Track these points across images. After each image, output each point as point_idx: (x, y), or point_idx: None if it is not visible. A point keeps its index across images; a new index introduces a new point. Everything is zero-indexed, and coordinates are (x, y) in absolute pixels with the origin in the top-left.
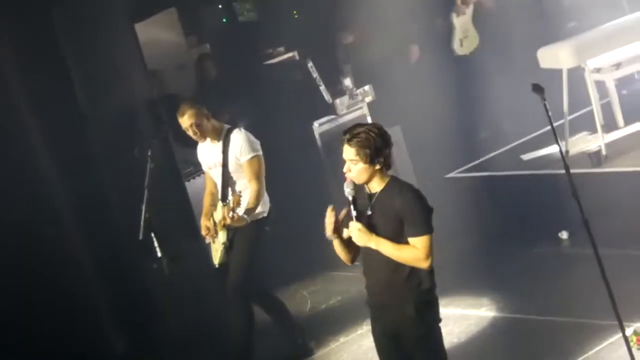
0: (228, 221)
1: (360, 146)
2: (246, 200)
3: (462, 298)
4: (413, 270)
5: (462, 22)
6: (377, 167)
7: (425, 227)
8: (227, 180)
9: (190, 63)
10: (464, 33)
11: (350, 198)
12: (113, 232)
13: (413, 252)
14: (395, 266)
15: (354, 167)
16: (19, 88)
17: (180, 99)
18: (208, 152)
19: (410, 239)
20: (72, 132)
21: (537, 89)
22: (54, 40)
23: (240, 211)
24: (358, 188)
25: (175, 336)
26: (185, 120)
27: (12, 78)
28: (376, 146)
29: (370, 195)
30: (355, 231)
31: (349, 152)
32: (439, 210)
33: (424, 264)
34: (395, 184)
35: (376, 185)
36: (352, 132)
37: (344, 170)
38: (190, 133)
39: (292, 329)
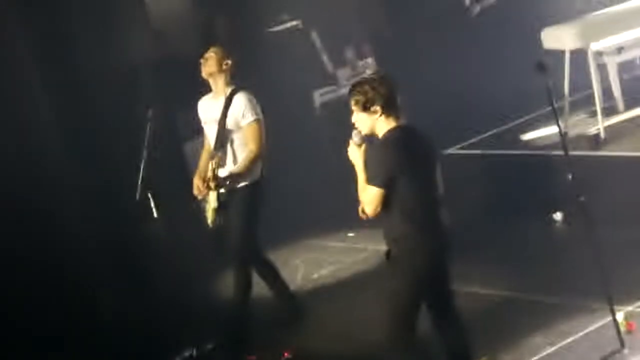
0: (211, 185)
1: (354, 97)
2: (237, 162)
3: (452, 273)
4: (395, 219)
5: None
6: (376, 115)
7: (372, 180)
8: (221, 140)
9: (194, 25)
10: None
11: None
12: (110, 190)
13: (364, 193)
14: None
15: (356, 116)
16: (22, 43)
17: (183, 60)
18: (208, 107)
19: None
20: (73, 88)
21: (541, 67)
22: None
23: (224, 172)
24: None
25: (169, 297)
26: (208, 51)
27: (16, 33)
28: (367, 96)
29: None
30: (352, 145)
31: (351, 102)
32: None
33: (366, 209)
34: (392, 133)
35: (380, 133)
36: (352, 85)
37: (352, 120)
38: (202, 60)
39: (284, 295)
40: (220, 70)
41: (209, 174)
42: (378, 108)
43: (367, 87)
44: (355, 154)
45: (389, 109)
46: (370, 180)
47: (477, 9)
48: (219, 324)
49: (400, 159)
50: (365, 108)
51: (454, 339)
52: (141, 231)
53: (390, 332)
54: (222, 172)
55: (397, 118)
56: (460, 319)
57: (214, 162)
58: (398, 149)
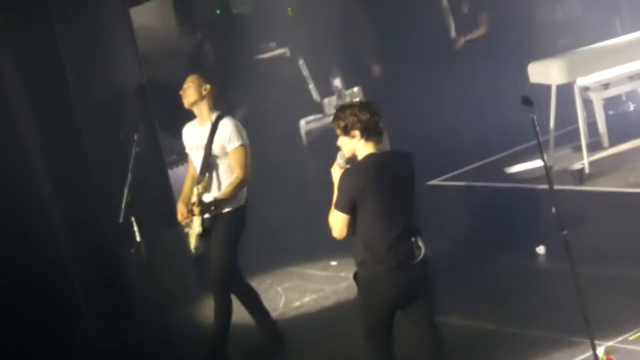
0: (195, 210)
1: (336, 121)
2: (222, 188)
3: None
4: (359, 244)
5: None
6: (355, 139)
7: (336, 204)
8: (207, 166)
9: (181, 52)
10: None
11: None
12: (93, 214)
13: (331, 216)
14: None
15: (340, 139)
16: (8, 66)
17: (169, 86)
18: (193, 133)
19: None
20: (59, 112)
21: (527, 102)
22: (47, 18)
23: (209, 197)
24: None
25: (149, 322)
26: (185, 82)
27: (1, 57)
28: (347, 121)
29: None
30: (336, 165)
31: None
32: (417, 216)
33: (332, 231)
34: (364, 160)
35: (360, 157)
36: (336, 110)
37: (338, 143)
38: (181, 92)
39: (265, 322)
40: (201, 97)
41: (194, 199)
42: (357, 132)
43: (347, 112)
44: (337, 175)
45: (368, 134)
46: (335, 205)
47: (462, 41)
48: (199, 350)
49: (363, 186)
50: (346, 132)
51: None
52: (123, 255)
53: (368, 352)
54: (207, 198)
55: (376, 144)
56: (443, 349)
57: (199, 187)
58: (362, 176)
